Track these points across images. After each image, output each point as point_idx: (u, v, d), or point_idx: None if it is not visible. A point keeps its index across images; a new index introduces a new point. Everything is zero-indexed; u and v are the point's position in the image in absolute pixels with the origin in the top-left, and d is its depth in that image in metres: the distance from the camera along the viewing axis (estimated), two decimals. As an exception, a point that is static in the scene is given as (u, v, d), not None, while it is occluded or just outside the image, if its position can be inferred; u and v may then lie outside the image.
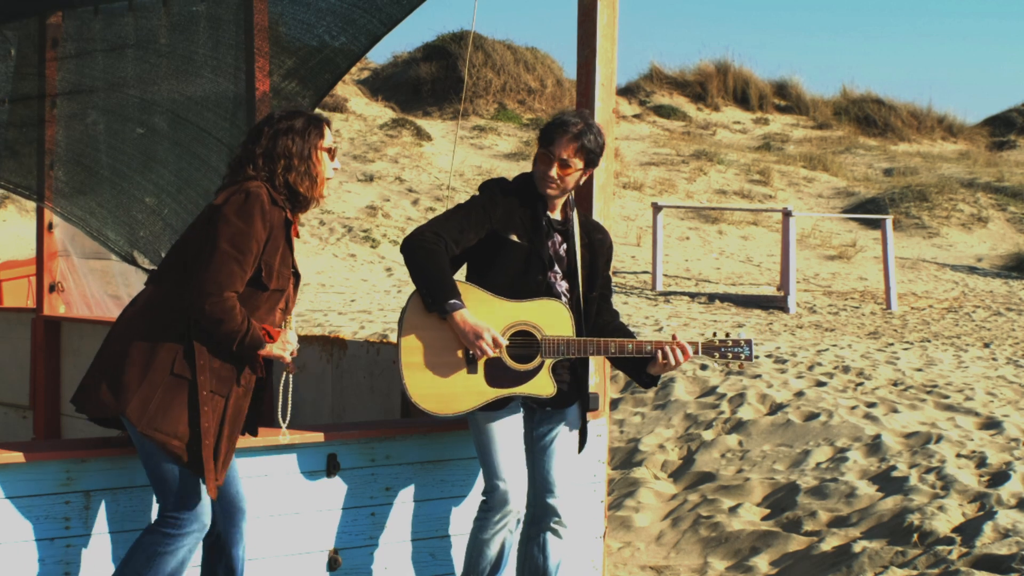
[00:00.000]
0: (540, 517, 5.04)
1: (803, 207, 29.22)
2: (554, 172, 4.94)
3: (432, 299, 4.79)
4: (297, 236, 4.54)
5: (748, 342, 5.03)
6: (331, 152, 4.57)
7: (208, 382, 4.31)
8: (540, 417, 5.06)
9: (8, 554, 4.35)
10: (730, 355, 5.00)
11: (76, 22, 7.07)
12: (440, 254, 4.81)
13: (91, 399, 4.36)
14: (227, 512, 4.51)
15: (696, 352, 4.98)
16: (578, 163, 4.96)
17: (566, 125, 4.94)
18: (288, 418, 4.79)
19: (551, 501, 5.02)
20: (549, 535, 5.05)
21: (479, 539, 4.92)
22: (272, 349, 4.41)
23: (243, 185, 4.37)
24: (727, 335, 5.04)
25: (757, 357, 4.93)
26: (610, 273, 5.21)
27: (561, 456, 5.04)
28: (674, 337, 4.99)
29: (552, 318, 4.90)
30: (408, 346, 4.83)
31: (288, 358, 4.49)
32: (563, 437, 5.05)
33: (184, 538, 4.34)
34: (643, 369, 5.05)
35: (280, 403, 4.73)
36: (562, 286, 5.01)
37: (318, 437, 4.93)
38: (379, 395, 6.14)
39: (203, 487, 4.35)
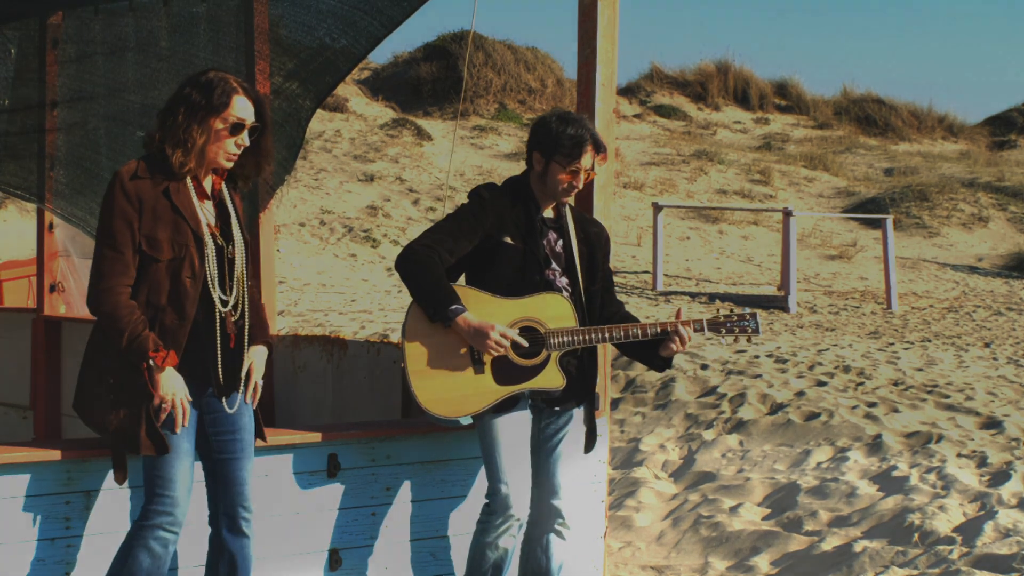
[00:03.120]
0: (544, 518, 5.04)
1: (803, 207, 29.21)
2: (581, 183, 5.01)
3: (433, 309, 4.79)
4: (208, 195, 4.40)
5: (754, 315, 5.05)
6: (235, 126, 4.36)
7: (117, 365, 4.27)
8: (547, 420, 5.06)
9: (8, 554, 4.35)
10: (737, 329, 5.02)
11: (76, 22, 7.06)
12: (434, 264, 4.81)
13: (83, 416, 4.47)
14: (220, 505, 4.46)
15: (702, 329, 5.01)
16: (600, 162, 5.05)
17: (583, 139, 4.97)
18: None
19: (555, 502, 5.02)
20: (552, 536, 5.04)
21: (481, 542, 4.92)
22: (160, 377, 4.22)
23: None
24: (731, 310, 5.07)
25: (759, 335, 5.00)
26: (610, 266, 5.23)
27: (566, 459, 5.04)
28: (678, 315, 5.03)
29: (554, 311, 4.91)
30: (413, 354, 4.82)
31: (165, 406, 4.25)
32: (569, 439, 5.06)
33: (152, 530, 4.27)
34: (655, 353, 5.07)
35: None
36: (562, 282, 5.02)
37: (318, 437, 4.94)
38: (379, 395, 6.13)
39: (173, 479, 4.27)
